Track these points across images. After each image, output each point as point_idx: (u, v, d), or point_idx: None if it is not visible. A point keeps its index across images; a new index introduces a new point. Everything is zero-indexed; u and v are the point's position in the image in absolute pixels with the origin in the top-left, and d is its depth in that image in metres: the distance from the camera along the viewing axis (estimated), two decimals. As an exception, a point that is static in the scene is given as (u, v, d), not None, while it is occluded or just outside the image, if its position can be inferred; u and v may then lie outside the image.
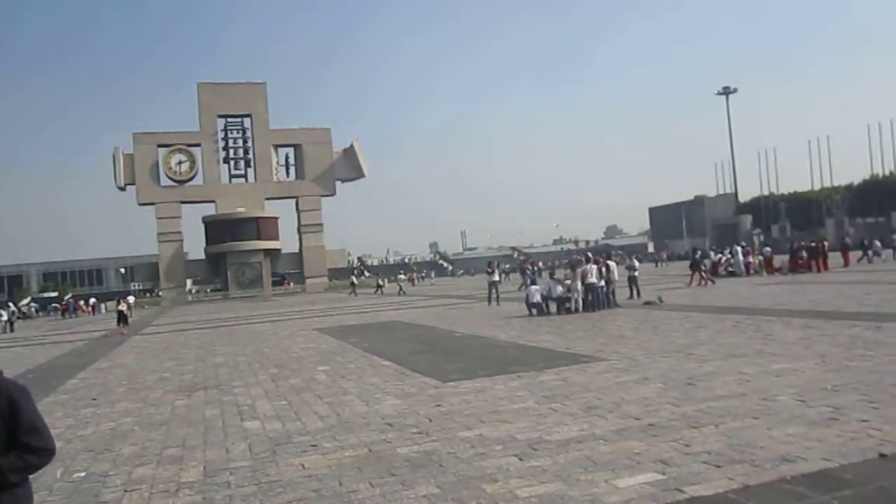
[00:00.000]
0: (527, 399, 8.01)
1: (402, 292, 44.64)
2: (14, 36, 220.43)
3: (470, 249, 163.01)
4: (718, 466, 5.13)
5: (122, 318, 27.91)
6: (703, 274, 28.27)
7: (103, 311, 61.64)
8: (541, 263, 51.73)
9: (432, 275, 52.08)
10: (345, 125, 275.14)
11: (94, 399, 10.81)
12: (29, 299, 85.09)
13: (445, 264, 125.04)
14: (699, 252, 31.53)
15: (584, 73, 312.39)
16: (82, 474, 6.35)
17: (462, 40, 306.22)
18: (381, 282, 54.63)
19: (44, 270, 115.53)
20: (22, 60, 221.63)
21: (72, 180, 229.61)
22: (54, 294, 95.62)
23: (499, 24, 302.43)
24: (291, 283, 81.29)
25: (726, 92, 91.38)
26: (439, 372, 10.47)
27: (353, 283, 55.06)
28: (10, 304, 47.05)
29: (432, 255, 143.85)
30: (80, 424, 8.81)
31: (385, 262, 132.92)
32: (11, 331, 37.96)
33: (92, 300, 69.37)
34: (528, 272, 30.47)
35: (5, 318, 39.53)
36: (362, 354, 13.65)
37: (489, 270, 27.01)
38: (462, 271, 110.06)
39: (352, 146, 79.84)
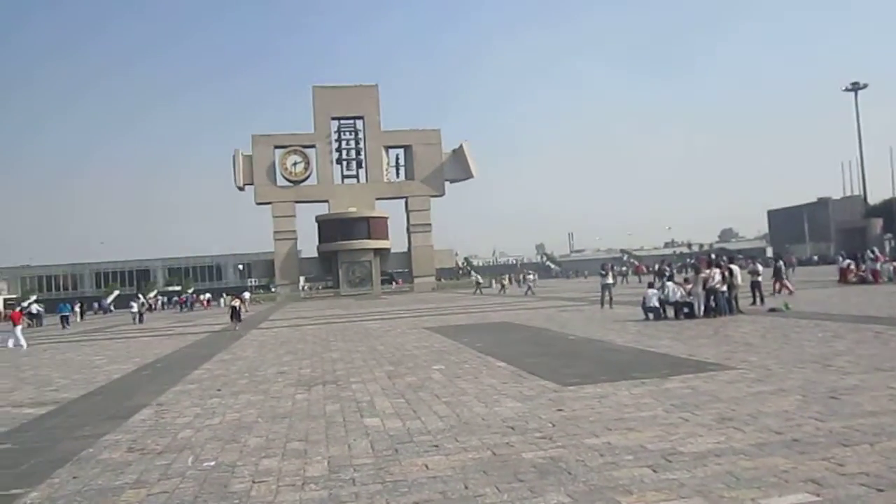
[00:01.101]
0: (654, 407, 7.65)
1: (530, 292, 44.37)
2: (139, 52, 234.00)
3: (577, 251, 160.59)
4: (881, 490, 4.66)
5: (235, 314, 28.29)
6: (782, 282, 26.82)
7: (222, 305, 64.36)
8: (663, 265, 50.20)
9: (534, 276, 51.78)
10: (454, 126, 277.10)
11: (219, 390, 11.16)
12: (155, 293, 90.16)
13: (552, 266, 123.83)
14: (780, 260, 30.26)
15: (697, 67, 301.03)
16: (212, 463, 6.49)
17: (567, 36, 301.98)
18: (504, 282, 56.84)
19: (168, 266, 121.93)
20: (156, 69, 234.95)
21: (196, 180, 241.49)
22: (177, 288, 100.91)
23: (603, 13, 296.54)
24: (401, 282, 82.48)
25: (855, 88, 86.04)
26: (557, 375, 10.20)
27: (478, 283, 56.33)
28: (140, 296, 49.82)
29: (539, 257, 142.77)
30: (207, 414, 9.07)
31: (496, 262, 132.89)
32: (141, 322, 40.19)
33: (207, 295, 72.82)
34: (667, 273, 29.40)
35: (135, 309, 41.93)
36: (476, 355, 13.53)
37: (602, 272, 26.40)
38: (571, 272, 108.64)
39: (461, 147, 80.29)
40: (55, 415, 9.95)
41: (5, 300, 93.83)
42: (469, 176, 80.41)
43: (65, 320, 43.97)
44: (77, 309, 54.44)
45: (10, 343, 24.22)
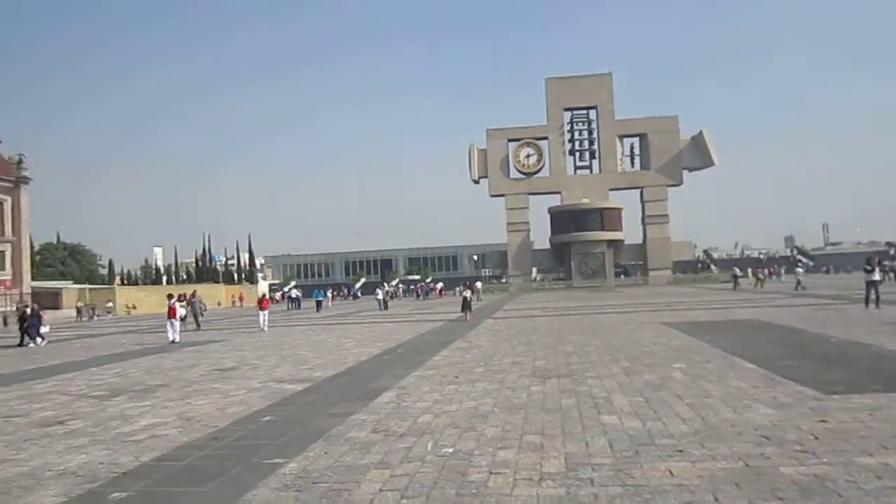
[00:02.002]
0: (943, 425, 6.58)
1: (800, 287, 41.14)
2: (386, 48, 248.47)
3: (833, 244, 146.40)
4: None
5: (466, 304, 28.02)
6: None
7: (456, 293, 66.73)
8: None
9: (803, 270, 46.71)
10: (692, 112, 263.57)
11: (456, 377, 11.42)
12: (397, 281, 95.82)
13: (803, 259, 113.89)
14: None
15: None
16: (450, 450, 6.58)
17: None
18: (760, 276, 52.58)
19: (409, 256, 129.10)
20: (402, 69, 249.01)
21: (436, 173, 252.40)
22: (417, 277, 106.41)
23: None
24: (639, 275, 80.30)
25: None
26: (818, 381, 9.18)
27: (735, 277, 51.05)
28: (385, 284, 53.07)
29: (788, 250, 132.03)
30: (445, 400, 9.29)
31: (740, 255, 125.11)
32: (385, 308, 42.75)
33: (440, 284, 76.09)
34: None
35: (381, 296, 44.71)
36: (720, 354, 12.63)
37: (868, 267, 23.61)
38: (828, 267, 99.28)
39: (700, 133, 76.43)
40: (310, 392, 10.76)
41: (270, 285, 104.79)
42: (709, 164, 76.37)
43: (319, 305, 48.22)
44: (329, 294, 59.37)
45: (264, 327, 26.52)
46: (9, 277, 54.56)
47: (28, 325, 25.57)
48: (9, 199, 56.76)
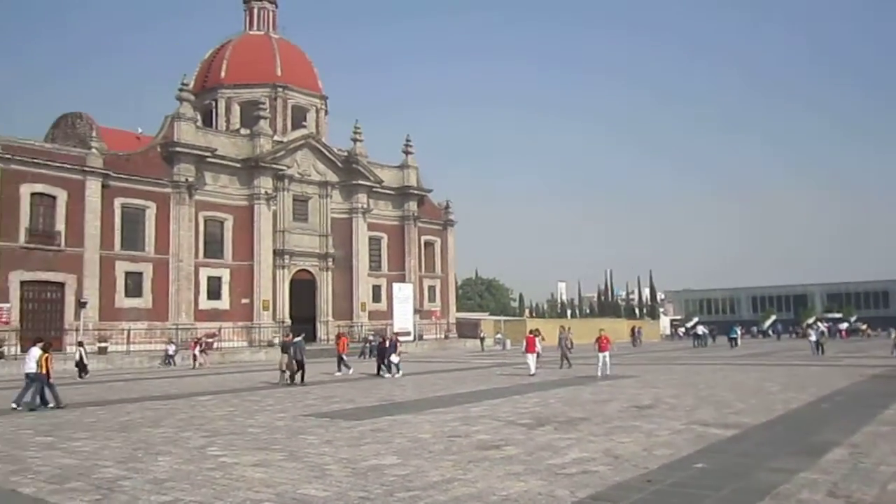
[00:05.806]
0: None
1: None
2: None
3: None
4: None
5: None
6: None
7: (892, 336, 57.72)
8: None
9: None
10: None
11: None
12: (813, 319, 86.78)
13: None
14: None
15: None
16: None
17: None
18: None
19: (828, 291, 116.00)
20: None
21: (862, 192, 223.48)
22: (838, 315, 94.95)
23: None
24: None
25: None
26: None
27: None
28: (819, 324, 47.38)
29: None
30: (917, 466, 7.72)
31: None
32: (821, 352, 35.87)
33: (843, 325, 67.82)
34: None
35: (814, 337, 36.46)
36: None
37: None
38: None
39: None
40: (740, 439, 9.86)
41: (672, 321, 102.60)
42: None
43: (734, 342, 46.30)
44: (739, 331, 56.08)
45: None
46: (438, 308, 61.62)
47: (385, 356, 24.88)
48: (438, 240, 64.35)
